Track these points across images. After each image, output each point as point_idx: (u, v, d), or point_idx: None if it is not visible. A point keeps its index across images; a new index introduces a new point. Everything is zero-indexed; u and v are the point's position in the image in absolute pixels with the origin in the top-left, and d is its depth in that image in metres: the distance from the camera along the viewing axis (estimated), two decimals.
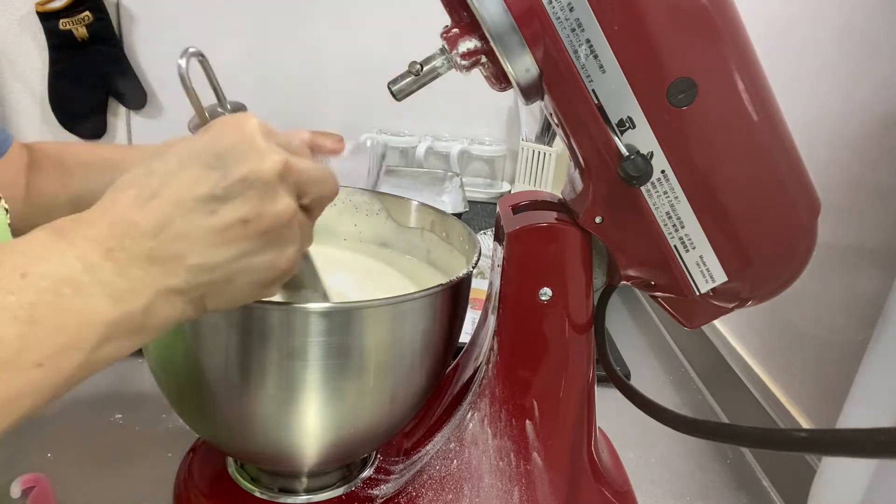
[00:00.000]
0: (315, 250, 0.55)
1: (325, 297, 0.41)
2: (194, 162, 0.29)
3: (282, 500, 0.47)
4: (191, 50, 0.33)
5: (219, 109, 0.35)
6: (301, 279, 0.40)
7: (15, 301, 0.25)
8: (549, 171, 1.22)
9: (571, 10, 0.36)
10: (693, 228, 0.40)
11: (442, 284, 0.41)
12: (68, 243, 0.27)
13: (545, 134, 1.23)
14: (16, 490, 0.48)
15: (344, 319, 0.38)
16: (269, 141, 0.31)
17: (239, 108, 0.36)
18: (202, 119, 0.34)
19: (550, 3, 0.36)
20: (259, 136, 0.30)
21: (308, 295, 0.40)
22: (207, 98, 0.35)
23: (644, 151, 0.38)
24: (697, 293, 0.42)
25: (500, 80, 0.41)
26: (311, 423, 0.41)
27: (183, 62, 0.33)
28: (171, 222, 0.28)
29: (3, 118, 1.28)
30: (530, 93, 0.40)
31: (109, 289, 0.27)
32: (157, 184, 0.29)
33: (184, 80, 0.33)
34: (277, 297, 0.37)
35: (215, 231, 0.29)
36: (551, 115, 0.42)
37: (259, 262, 0.31)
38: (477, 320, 0.55)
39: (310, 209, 0.33)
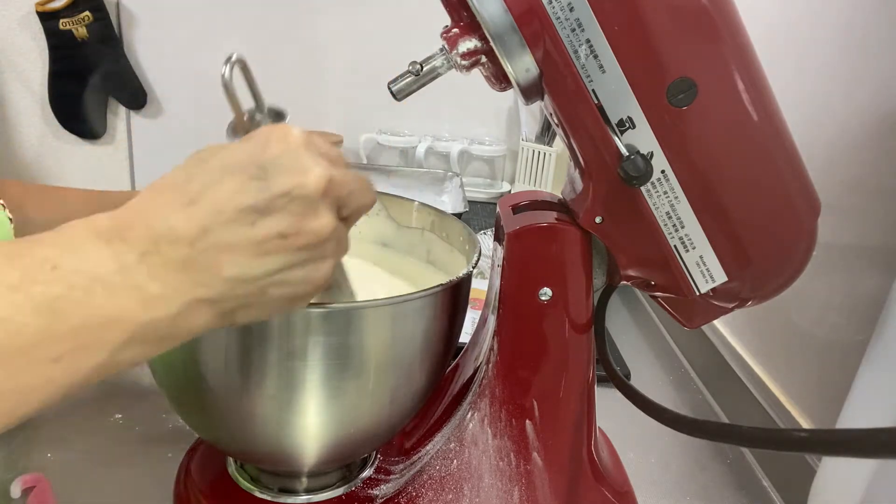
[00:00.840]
0: None
1: (353, 295, 0.40)
2: (237, 171, 0.29)
3: (282, 500, 0.47)
4: (234, 57, 0.33)
5: (258, 116, 0.35)
6: (331, 282, 0.40)
7: (40, 292, 0.24)
8: (549, 171, 1.22)
9: (571, 10, 0.36)
10: (693, 228, 0.40)
11: (442, 284, 0.41)
12: (105, 242, 0.26)
13: (545, 134, 1.23)
14: (16, 490, 0.48)
15: (344, 319, 0.38)
16: (312, 154, 0.30)
17: (279, 113, 0.35)
18: (243, 127, 0.34)
19: (550, 3, 0.36)
20: (303, 148, 0.30)
21: (336, 295, 0.40)
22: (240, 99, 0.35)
23: (644, 151, 0.38)
24: (697, 293, 0.42)
25: (500, 80, 0.41)
26: (311, 423, 0.41)
27: (227, 70, 0.32)
28: (210, 231, 0.28)
29: (3, 118, 1.28)
30: (530, 93, 0.40)
31: (141, 293, 0.27)
32: (197, 189, 0.28)
33: (227, 87, 0.32)
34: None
35: (253, 243, 0.28)
36: (551, 115, 0.42)
37: (295, 276, 0.30)
38: (477, 320, 0.55)
39: (347, 219, 0.33)
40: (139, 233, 0.27)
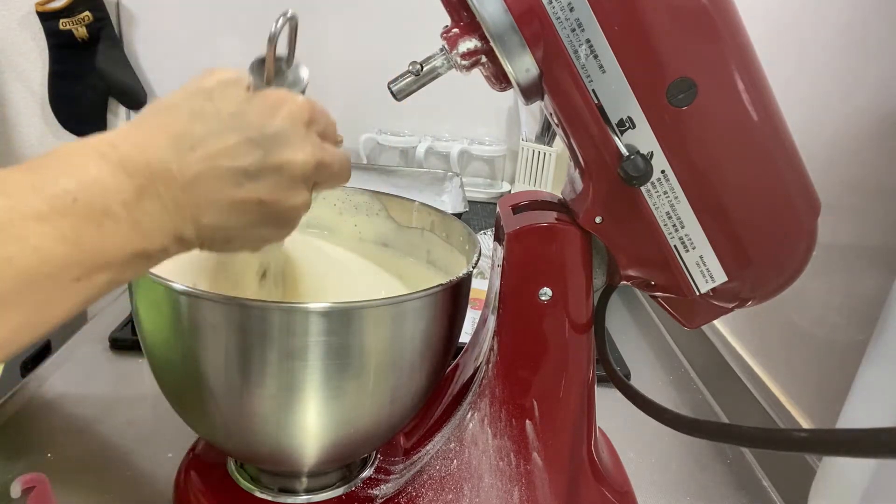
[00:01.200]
0: (315, 249, 0.55)
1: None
2: (241, 129, 0.31)
3: (282, 500, 0.47)
4: (290, 13, 0.35)
5: (284, 66, 0.37)
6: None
7: (65, 224, 0.27)
8: (549, 171, 1.22)
9: (571, 10, 0.36)
10: (693, 228, 0.40)
11: (442, 284, 0.41)
12: (111, 171, 0.28)
13: (545, 134, 1.23)
14: (16, 490, 0.48)
15: (344, 319, 0.38)
16: (312, 135, 0.34)
17: (301, 74, 0.37)
18: (269, 70, 0.35)
19: (550, 3, 0.36)
20: (306, 128, 0.33)
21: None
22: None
23: (644, 151, 0.38)
24: (697, 293, 0.42)
25: (500, 80, 0.41)
26: (311, 423, 0.41)
27: (279, 23, 0.34)
28: (201, 181, 0.30)
29: (3, 118, 1.28)
30: (530, 93, 0.40)
31: (138, 227, 0.29)
32: (198, 135, 0.31)
33: (272, 40, 0.34)
34: None
35: (234, 202, 0.32)
36: (551, 115, 0.42)
37: (259, 233, 0.34)
38: (477, 320, 0.55)
39: (317, 187, 0.36)
40: (139, 168, 0.29)
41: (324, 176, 0.35)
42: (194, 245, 0.33)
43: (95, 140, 0.29)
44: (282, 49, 0.36)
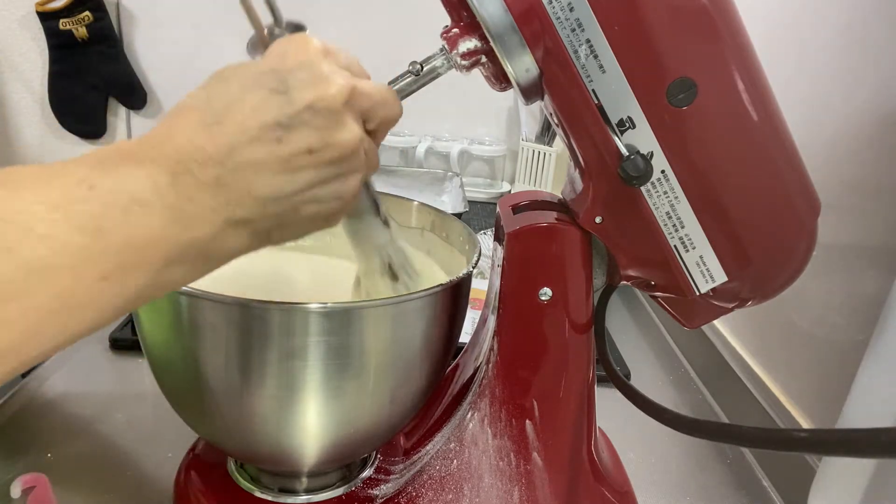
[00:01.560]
0: (315, 252, 0.55)
1: (386, 223, 0.41)
2: (257, 87, 0.28)
3: (282, 500, 0.47)
4: None
5: (277, 31, 0.34)
6: (361, 206, 0.39)
7: (81, 211, 0.24)
8: (549, 171, 1.22)
9: (571, 10, 0.36)
10: (693, 228, 0.40)
11: (442, 284, 0.41)
12: (136, 163, 0.26)
13: (545, 134, 1.23)
14: (16, 490, 0.48)
15: (344, 319, 0.38)
16: (332, 64, 0.30)
17: (298, 27, 0.34)
18: (262, 39, 0.33)
19: (550, 3, 0.36)
20: (323, 58, 0.29)
21: (370, 220, 0.40)
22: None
23: (644, 151, 0.38)
24: (697, 293, 0.42)
25: (500, 80, 0.41)
26: (311, 423, 0.41)
27: None
28: (236, 150, 0.27)
29: (3, 118, 1.28)
30: (530, 93, 0.40)
31: (177, 213, 0.26)
32: (219, 109, 0.28)
33: (244, 2, 0.32)
34: (341, 227, 0.37)
35: (281, 160, 0.28)
36: (551, 115, 0.42)
37: (325, 192, 0.30)
38: (477, 320, 0.55)
39: (374, 133, 0.33)
40: (168, 154, 0.27)
41: (367, 106, 0.31)
42: (257, 229, 0.29)
43: (116, 143, 0.27)
44: (268, 20, 0.34)
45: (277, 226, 0.30)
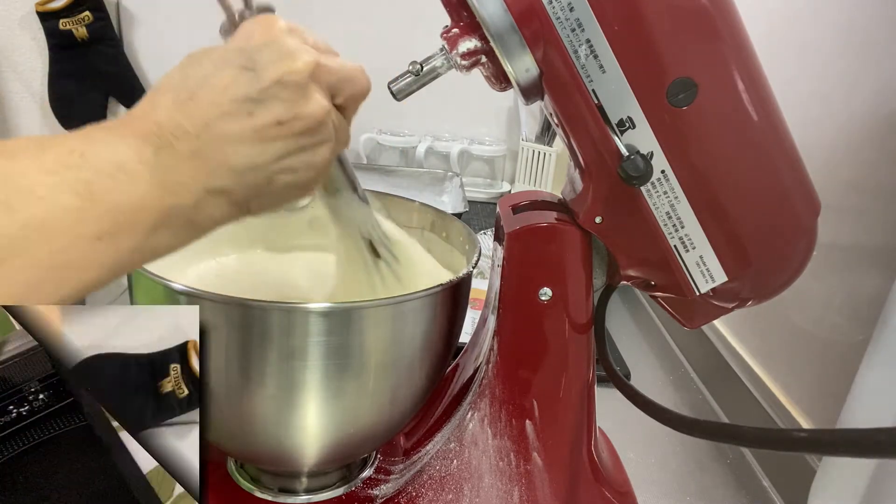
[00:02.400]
0: (315, 252, 0.55)
1: (364, 199, 0.42)
2: (227, 65, 0.30)
3: (282, 500, 0.47)
4: None
5: (247, 13, 0.36)
6: (337, 183, 0.41)
7: (74, 176, 0.26)
8: (549, 171, 1.22)
9: (571, 10, 0.36)
10: (693, 228, 0.40)
11: (442, 284, 0.41)
12: (120, 137, 0.28)
13: (545, 134, 1.23)
14: None
15: (344, 319, 0.38)
16: (297, 40, 0.32)
17: (266, 8, 0.36)
18: (233, 23, 0.35)
19: (550, 3, 0.36)
20: (287, 35, 0.31)
21: (348, 197, 0.41)
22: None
23: (644, 151, 0.38)
24: (697, 293, 0.42)
25: (500, 80, 0.41)
26: (311, 423, 0.41)
27: None
28: (211, 124, 0.29)
29: (3, 118, 1.28)
30: (530, 93, 0.40)
31: (161, 180, 0.28)
32: (193, 86, 0.30)
33: None
34: (320, 202, 0.38)
35: (253, 132, 0.30)
36: (551, 115, 0.42)
37: (297, 162, 0.32)
38: (477, 320, 0.55)
39: (344, 108, 0.34)
40: (150, 129, 0.29)
41: (333, 80, 0.33)
42: (237, 199, 0.31)
43: (100, 123, 0.29)
44: (238, 5, 0.36)
45: (255, 195, 0.32)
